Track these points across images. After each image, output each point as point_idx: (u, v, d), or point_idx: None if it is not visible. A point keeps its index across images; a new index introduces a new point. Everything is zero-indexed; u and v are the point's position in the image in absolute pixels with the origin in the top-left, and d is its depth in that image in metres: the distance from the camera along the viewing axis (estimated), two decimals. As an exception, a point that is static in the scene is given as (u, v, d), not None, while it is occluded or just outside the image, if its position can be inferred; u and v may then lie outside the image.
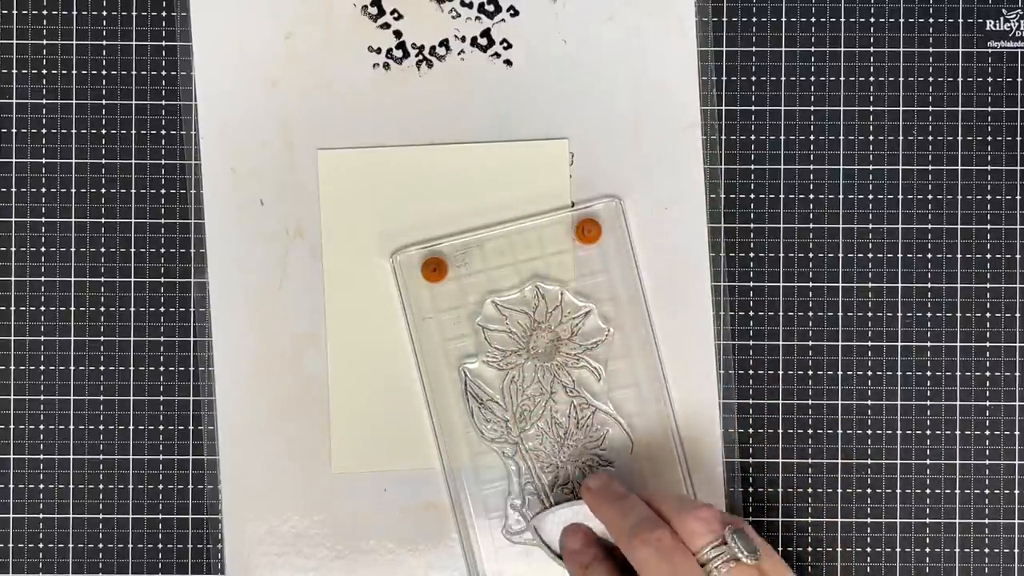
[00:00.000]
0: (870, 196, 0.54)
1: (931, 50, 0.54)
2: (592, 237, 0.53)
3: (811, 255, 0.54)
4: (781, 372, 0.54)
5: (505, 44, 0.54)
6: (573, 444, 0.53)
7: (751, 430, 0.54)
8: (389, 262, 0.53)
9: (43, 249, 0.54)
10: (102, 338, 0.54)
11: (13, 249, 0.54)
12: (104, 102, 0.54)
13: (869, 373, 0.54)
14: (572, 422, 0.53)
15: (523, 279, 0.54)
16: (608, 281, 0.54)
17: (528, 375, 0.53)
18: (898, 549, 0.54)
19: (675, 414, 0.54)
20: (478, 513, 0.53)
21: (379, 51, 0.54)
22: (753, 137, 0.54)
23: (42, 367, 0.54)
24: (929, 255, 0.54)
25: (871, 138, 0.54)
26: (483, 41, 0.54)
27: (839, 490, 0.54)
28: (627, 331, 0.54)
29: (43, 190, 0.54)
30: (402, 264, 0.53)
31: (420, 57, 0.54)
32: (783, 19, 0.54)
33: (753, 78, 0.54)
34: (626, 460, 0.53)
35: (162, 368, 0.54)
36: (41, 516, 0.54)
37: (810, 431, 0.54)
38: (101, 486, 0.54)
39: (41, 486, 0.54)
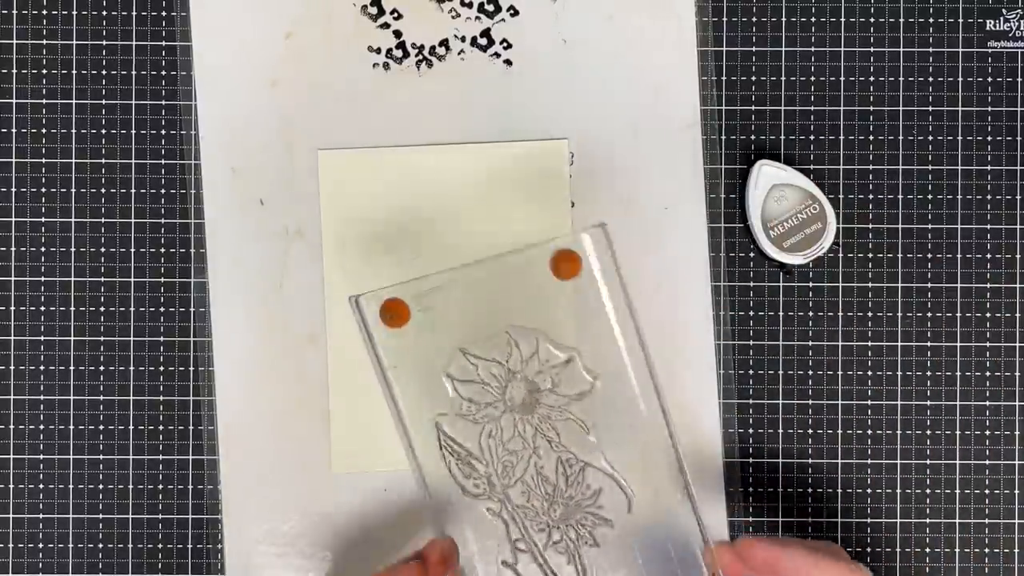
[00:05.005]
0: (870, 196, 0.54)
1: (931, 50, 0.54)
2: (570, 272, 0.47)
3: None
4: (781, 372, 0.54)
5: (505, 44, 0.54)
6: (564, 502, 0.49)
7: (751, 430, 0.54)
8: (351, 305, 0.48)
9: (43, 249, 0.54)
10: (102, 338, 0.54)
11: (13, 249, 0.54)
12: (104, 102, 0.54)
13: (869, 373, 0.54)
14: (561, 479, 0.48)
15: (494, 323, 0.48)
16: (592, 323, 0.48)
17: (507, 428, 0.48)
18: (898, 549, 0.54)
19: (679, 443, 0.48)
20: (470, 568, 0.48)
21: (379, 51, 0.54)
22: (753, 137, 0.54)
23: (42, 367, 0.54)
24: (929, 255, 0.54)
25: (871, 138, 0.54)
26: (483, 41, 0.54)
27: (839, 490, 0.54)
28: (616, 379, 0.48)
29: (43, 190, 0.54)
30: (364, 309, 0.48)
31: (420, 57, 0.54)
32: (783, 19, 0.54)
33: (753, 78, 0.54)
34: (624, 519, 0.49)
35: (162, 368, 0.54)
36: (41, 516, 0.54)
37: (810, 431, 0.54)
38: (101, 486, 0.54)
39: (41, 486, 0.54)
